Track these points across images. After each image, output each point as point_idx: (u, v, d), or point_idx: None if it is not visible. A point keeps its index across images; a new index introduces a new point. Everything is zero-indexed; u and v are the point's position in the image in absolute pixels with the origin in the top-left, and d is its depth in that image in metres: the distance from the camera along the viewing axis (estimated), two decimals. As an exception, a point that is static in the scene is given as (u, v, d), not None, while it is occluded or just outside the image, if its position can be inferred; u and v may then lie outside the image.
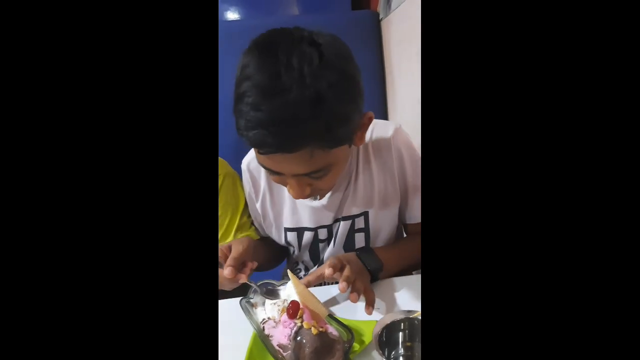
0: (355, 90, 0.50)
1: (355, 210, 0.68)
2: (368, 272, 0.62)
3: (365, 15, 1.26)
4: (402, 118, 1.09)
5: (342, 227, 0.70)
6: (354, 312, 0.59)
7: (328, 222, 0.70)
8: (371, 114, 0.57)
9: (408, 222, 0.72)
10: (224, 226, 0.76)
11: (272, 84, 0.44)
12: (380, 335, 0.43)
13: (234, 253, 0.57)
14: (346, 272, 0.56)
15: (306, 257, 0.75)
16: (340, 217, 0.69)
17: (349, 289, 0.56)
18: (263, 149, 0.49)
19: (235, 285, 0.60)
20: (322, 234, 0.71)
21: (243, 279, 0.57)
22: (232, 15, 1.40)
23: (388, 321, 0.44)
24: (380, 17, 1.22)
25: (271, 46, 0.46)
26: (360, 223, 0.69)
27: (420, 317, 0.45)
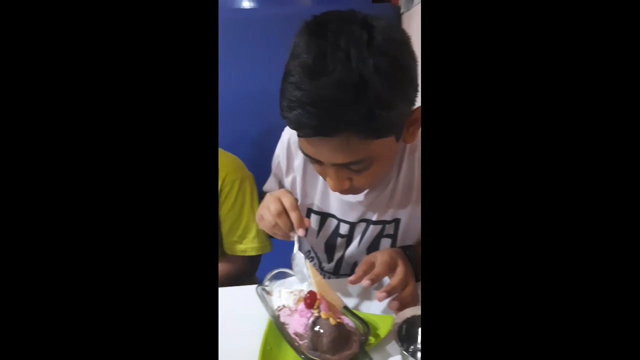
0: (405, 80, 0.48)
1: (387, 216, 0.66)
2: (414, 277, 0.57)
3: (386, 9, 1.25)
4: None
5: (371, 230, 0.67)
6: (368, 305, 0.59)
7: (354, 219, 0.68)
8: None
9: None
10: (241, 227, 0.77)
11: (316, 63, 0.43)
12: (400, 328, 0.43)
13: (291, 202, 0.56)
14: (395, 280, 0.52)
15: (321, 249, 0.74)
16: (369, 218, 0.67)
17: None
18: (301, 131, 0.48)
19: (289, 236, 0.59)
20: (344, 229, 0.70)
21: (308, 224, 0.58)
22: (247, 3, 1.38)
23: (409, 315, 0.44)
24: (402, 10, 1.21)
25: (321, 26, 0.45)
26: (390, 229, 0.67)
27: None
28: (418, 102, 0.52)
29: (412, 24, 1.16)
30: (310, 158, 0.53)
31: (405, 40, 0.49)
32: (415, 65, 0.50)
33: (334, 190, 0.55)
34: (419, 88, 0.51)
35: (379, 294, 0.51)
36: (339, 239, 0.71)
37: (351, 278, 0.52)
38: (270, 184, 0.80)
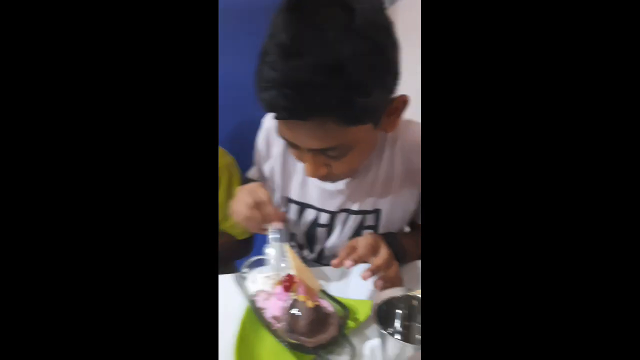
0: (384, 66, 0.47)
1: (367, 206, 0.65)
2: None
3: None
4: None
5: (352, 221, 0.66)
6: (345, 290, 0.58)
7: (334, 208, 0.67)
8: (406, 97, 0.52)
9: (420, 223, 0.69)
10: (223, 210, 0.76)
11: (292, 44, 0.42)
12: (379, 309, 0.42)
13: (264, 195, 0.56)
14: (379, 260, 0.51)
15: (302, 239, 0.73)
16: (349, 208, 0.66)
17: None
18: (276, 113, 0.46)
19: (262, 229, 0.58)
20: (324, 219, 0.68)
21: (284, 216, 0.57)
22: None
23: (388, 296, 0.44)
24: (386, 5, 1.21)
25: (301, 6, 0.44)
26: (371, 220, 0.66)
27: (419, 296, 0.44)
28: (400, 91, 0.52)
29: (396, 20, 1.16)
30: (287, 142, 0.52)
31: (387, 25, 0.48)
32: (397, 53, 0.49)
33: (309, 176, 0.54)
34: (399, 76, 0.50)
35: (364, 273, 0.50)
36: (319, 229, 0.70)
37: (334, 261, 0.51)
38: (253, 171, 0.79)
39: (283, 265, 0.59)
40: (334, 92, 0.43)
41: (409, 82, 0.57)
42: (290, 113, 0.45)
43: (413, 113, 0.57)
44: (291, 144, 0.52)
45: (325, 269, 0.64)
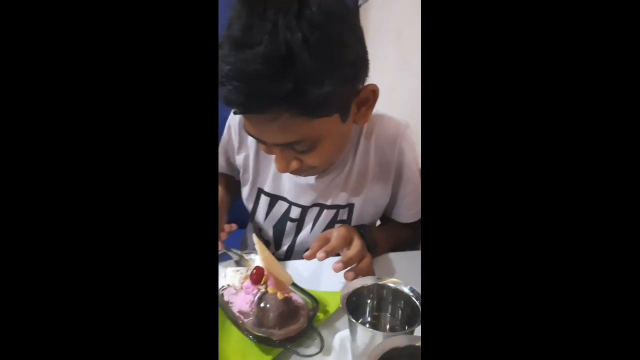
0: (339, 55, 0.44)
1: (341, 200, 0.64)
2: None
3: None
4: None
5: (325, 215, 0.66)
6: (317, 283, 0.57)
7: (306, 203, 0.65)
8: (374, 86, 0.51)
9: (394, 218, 0.69)
10: None
11: (243, 35, 0.41)
12: (349, 299, 0.41)
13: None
14: (352, 252, 0.51)
15: (269, 233, 0.71)
16: (322, 202, 0.65)
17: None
18: (232, 107, 0.45)
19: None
20: (295, 212, 0.67)
21: (230, 229, 0.56)
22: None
23: (358, 285, 0.43)
24: (359, 2, 1.22)
25: None
26: (343, 215, 0.66)
27: (390, 286, 0.44)
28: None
29: (369, 15, 1.17)
30: (253, 137, 0.51)
31: (345, 14, 0.45)
32: (358, 44, 0.47)
33: (280, 172, 0.53)
34: (367, 69, 0.49)
35: (336, 264, 0.49)
36: (289, 224, 0.68)
37: (306, 253, 0.50)
38: (223, 162, 0.76)
39: (251, 257, 0.57)
40: (284, 84, 0.41)
41: (379, 77, 0.57)
42: (244, 107, 0.44)
43: (380, 107, 0.57)
44: (257, 140, 0.51)
45: (295, 262, 0.63)
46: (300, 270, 0.61)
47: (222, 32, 0.43)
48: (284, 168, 0.52)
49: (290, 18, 0.40)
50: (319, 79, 0.42)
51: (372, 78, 0.53)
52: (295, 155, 0.51)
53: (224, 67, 0.42)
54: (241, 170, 0.70)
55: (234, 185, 0.75)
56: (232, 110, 0.47)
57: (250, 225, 0.79)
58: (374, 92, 0.52)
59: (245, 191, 0.71)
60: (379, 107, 0.55)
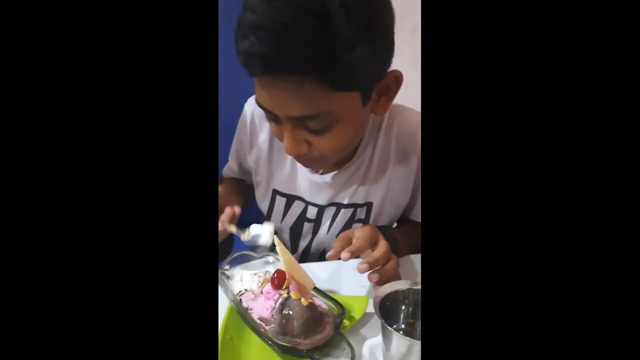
0: (375, 30, 0.42)
1: (358, 199, 0.61)
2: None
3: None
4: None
5: (342, 215, 0.62)
6: (338, 287, 0.54)
7: (323, 202, 0.62)
8: (398, 72, 0.48)
9: (413, 219, 0.66)
10: None
11: None
12: (382, 304, 0.38)
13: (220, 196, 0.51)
14: (379, 252, 0.47)
15: (285, 235, 0.68)
16: (338, 201, 0.62)
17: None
18: (251, 65, 0.40)
19: (221, 237, 0.54)
20: (312, 212, 0.64)
21: (232, 229, 0.51)
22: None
23: (390, 290, 0.40)
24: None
25: None
26: (361, 214, 0.62)
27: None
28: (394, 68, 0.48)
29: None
30: (265, 111, 0.47)
31: None
32: (392, 22, 0.45)
33: (289, 153, 0.48)
34: (393, 52, 0.47)
35: (361, 265, 0.46)
36: (306, 224, 0.65)
37: (329, 253, 0.47)
38: (230, 166, 0.73)
39: (271, 260, 0.54)
40: (318, 43, 0.38)
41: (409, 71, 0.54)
42: (266, 64, 0.39)
43: (413, 103, 0.54)
44: (269, 113, 0.47)
45: (311, 265, 0.60)
46: (317, 273, 0.58)
47: (222, 31, 0.40)
48: (292, 148, 0.47)
49: None
50: (355, 45, 0.39)
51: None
52: (307, 135, 0.47)
53: (249, 17, 0.38)
54: (253, 172, 0.67)
55: (248, 189, 0.72)
56: (248, 72, 0.42)
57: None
58: (397, 79, 0.49)
59: (259, 194, 0.67)
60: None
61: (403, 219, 0.68)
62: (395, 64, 0.48)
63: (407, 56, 1.06)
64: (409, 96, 1.04)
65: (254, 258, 0.56)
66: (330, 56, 0.39)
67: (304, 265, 0.60)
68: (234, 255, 0.55)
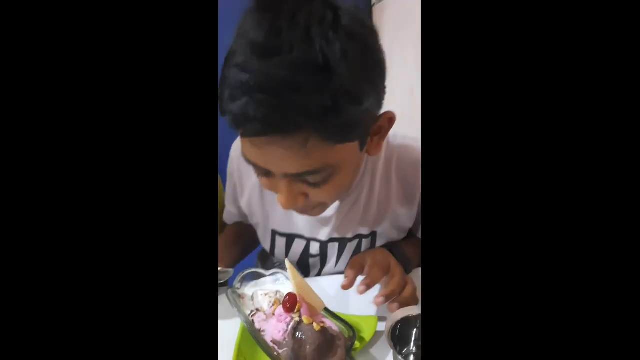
0: (375, 71, 0.39)
1: (363, 230, 0.59)
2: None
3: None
4: (391, 107, 1.06)
5: (347, 248, 0.61)
6: (346, 304, 0.55)
7: (323, 238, 0.60)
8: (392, 113, 0.45)
9: (418, 237, 0.64)
10: None
11: (268, 40, 0.33)
12: (394, 329, 0.39)
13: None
14: (394, 283, 0.46)
15: None
16: (342, 236, 0.60)
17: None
18: (247, 127, 0.36)
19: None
20: (314, 248, 0.61)
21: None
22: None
23: (402, 315, 0.41)
24: (373, 2, 1.18)
25: (275, 3, 0.35)
26: (367, 244, 0.61)
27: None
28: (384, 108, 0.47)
29: (384, 16, 1.14)
30: (255, 167, 0.41)
31: (375, 30, 0.40)
32: (384, 58, 0.41)
33: (285, 208, 0.43)
34: (385, 90, 0.44)
35: (377, 299, 0.46)
36: (312, 259, 0.64)
37: (344, 283, 0.47)
38: (229, 211, 0.70)
39: (281, 279, 0.55)
40: (322, 98, 0.34)
41: (396, 79, 0.52)
42: (264, 125, 0.35)
43: (399, 108, 0.52)
44: (261, 170, 0.41)
45: (321, 280, 0.61)
46: (326, 289, 0.59)
47: (222, 35, 0.35)
48: (291, 203, 0.43)
49: (326, 27, 0.34)
50: (359, 97, 0.37)
51: (390, 82, 0.49)
52: (305, 188, 0.42)
53: (240, 77, 0.34)
54: (249, 215, 0.65)
55: (252, 231, 0.68)
56: (240, 132, 0.38)
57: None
58: (390, 120, 0.45)
59: (260, 235, 0.66)
60: (395, 108, 0.50)
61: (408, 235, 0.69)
62: (400, 72, 0.46)
63: (412, 64, 1.07)
64: (416, 103, 1.04)
65: (264, 275, 0.56)
66: (337, 109, 0.35)
67: (314, 280, 0.61)
68: (244, 273, 0.56)
